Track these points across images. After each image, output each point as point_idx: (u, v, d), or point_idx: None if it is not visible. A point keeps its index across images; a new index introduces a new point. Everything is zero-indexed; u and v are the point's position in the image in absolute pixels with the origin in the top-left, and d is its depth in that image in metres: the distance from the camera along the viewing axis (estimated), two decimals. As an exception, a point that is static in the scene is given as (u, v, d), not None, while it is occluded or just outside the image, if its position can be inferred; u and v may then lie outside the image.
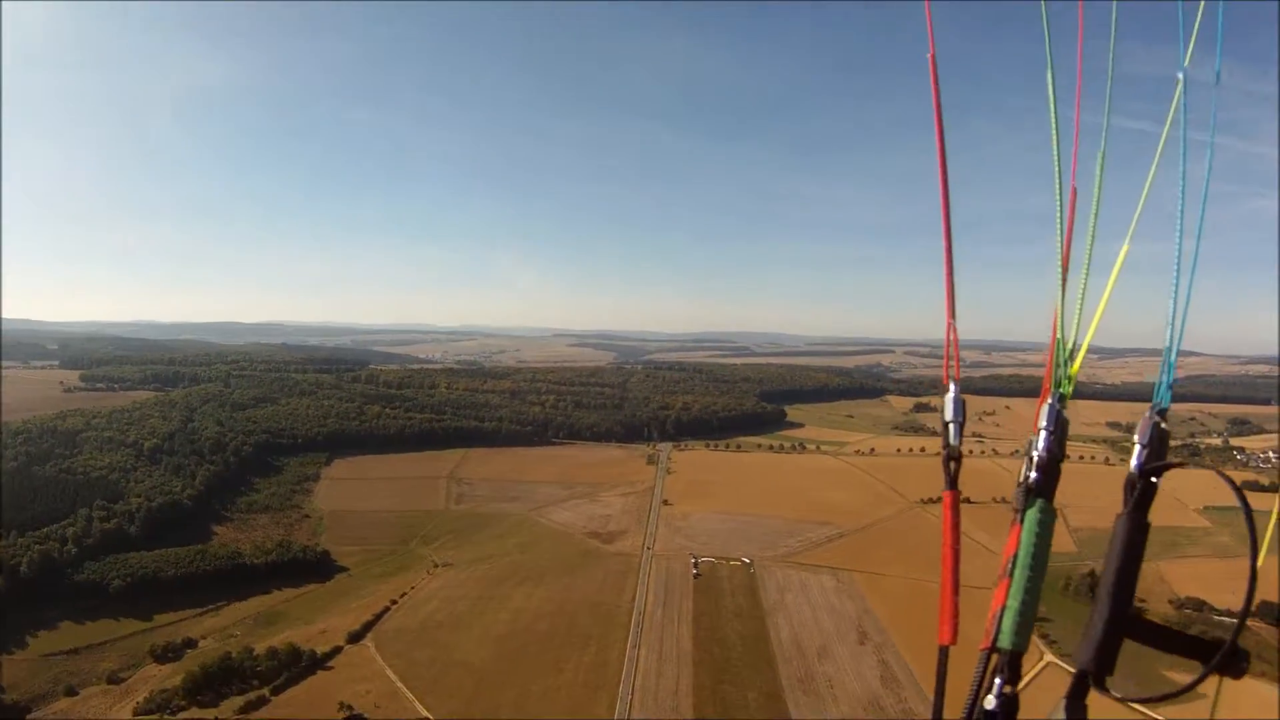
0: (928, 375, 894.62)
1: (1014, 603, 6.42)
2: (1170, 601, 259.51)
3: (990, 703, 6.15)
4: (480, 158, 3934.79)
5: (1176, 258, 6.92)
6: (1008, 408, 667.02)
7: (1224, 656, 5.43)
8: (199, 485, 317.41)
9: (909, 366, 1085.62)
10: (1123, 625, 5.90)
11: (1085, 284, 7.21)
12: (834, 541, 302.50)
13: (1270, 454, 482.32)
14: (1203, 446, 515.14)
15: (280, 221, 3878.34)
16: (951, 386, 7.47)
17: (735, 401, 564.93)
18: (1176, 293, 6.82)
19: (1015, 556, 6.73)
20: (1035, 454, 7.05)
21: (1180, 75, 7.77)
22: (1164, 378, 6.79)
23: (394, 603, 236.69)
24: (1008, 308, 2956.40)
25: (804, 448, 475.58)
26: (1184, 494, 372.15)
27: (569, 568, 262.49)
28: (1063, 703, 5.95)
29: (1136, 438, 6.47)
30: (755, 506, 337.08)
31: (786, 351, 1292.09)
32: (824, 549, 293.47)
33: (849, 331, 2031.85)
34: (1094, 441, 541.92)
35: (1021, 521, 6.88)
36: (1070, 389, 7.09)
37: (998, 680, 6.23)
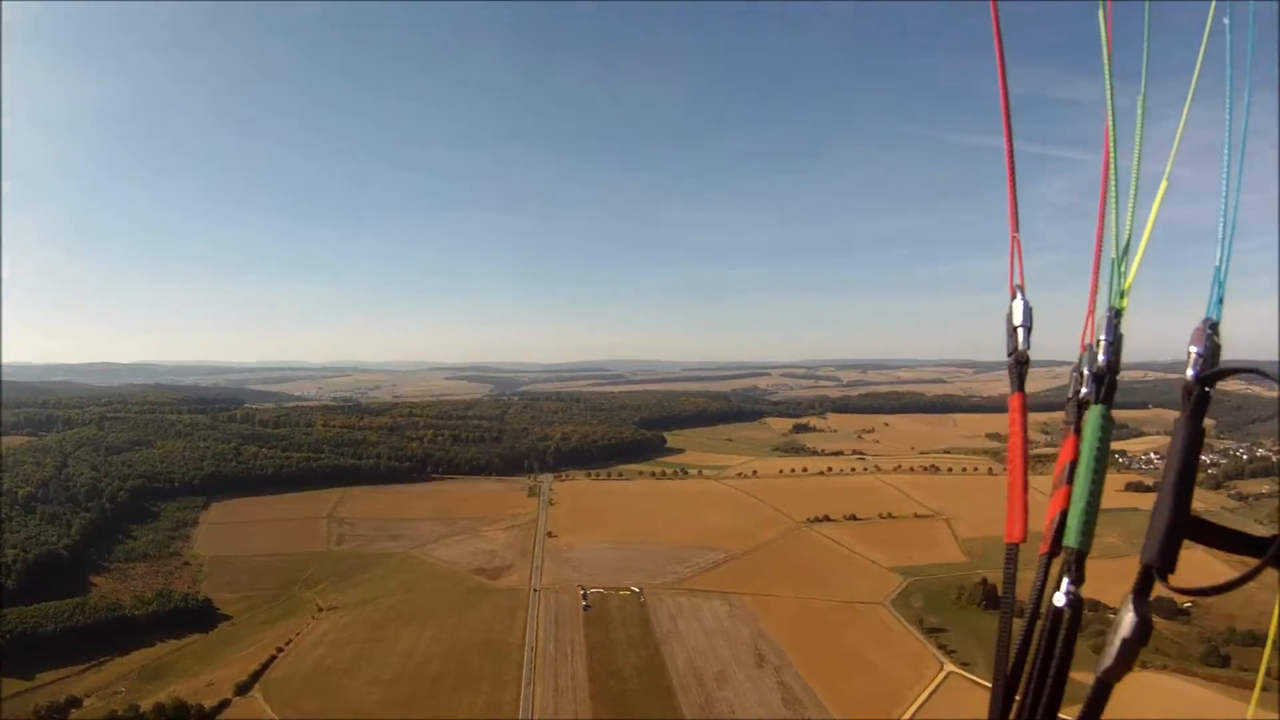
0: (805, 396, 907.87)
1: (1079, 503, 6.43)
2: None
3: (1060, 599, 6.28)
4: (341, 187, 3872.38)
5: (1225, 178, 6.94)
6: (886, 425, 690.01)
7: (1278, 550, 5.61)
8: (75, 534, 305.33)
9: (785, 388, 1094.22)
10: (1183, 525, 5.93)
11: (1135, 199, 7.20)
12: (722, 566, 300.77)
13: (1151, 455, 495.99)
14: None
15: (150, 258, 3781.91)
16: (1019, 294, 7.55)
17: (614, 430, 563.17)
18: (1225, 211, 6.90)
19: (1073, 463, 6.65)
20: (1087, 369, 7.03)
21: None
22: (1214, 292, 6.75)
23: (280, 650, 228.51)
24: (882, 326, 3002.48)
25: (686, 473, 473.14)
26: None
27: (456, 606, 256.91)
28: (1130, 596, 5.91)
29: (1193, 347, 6.48)
30: (641, 534, 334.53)
31: (662, 378, 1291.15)
32: (713, 574, 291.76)
33: (724, 356, 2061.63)
34: (974, 454, 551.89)
35: (1078, 431, 6.77)
36: (1124, 303, 7.08)
37: (1065, 579, 6.34)
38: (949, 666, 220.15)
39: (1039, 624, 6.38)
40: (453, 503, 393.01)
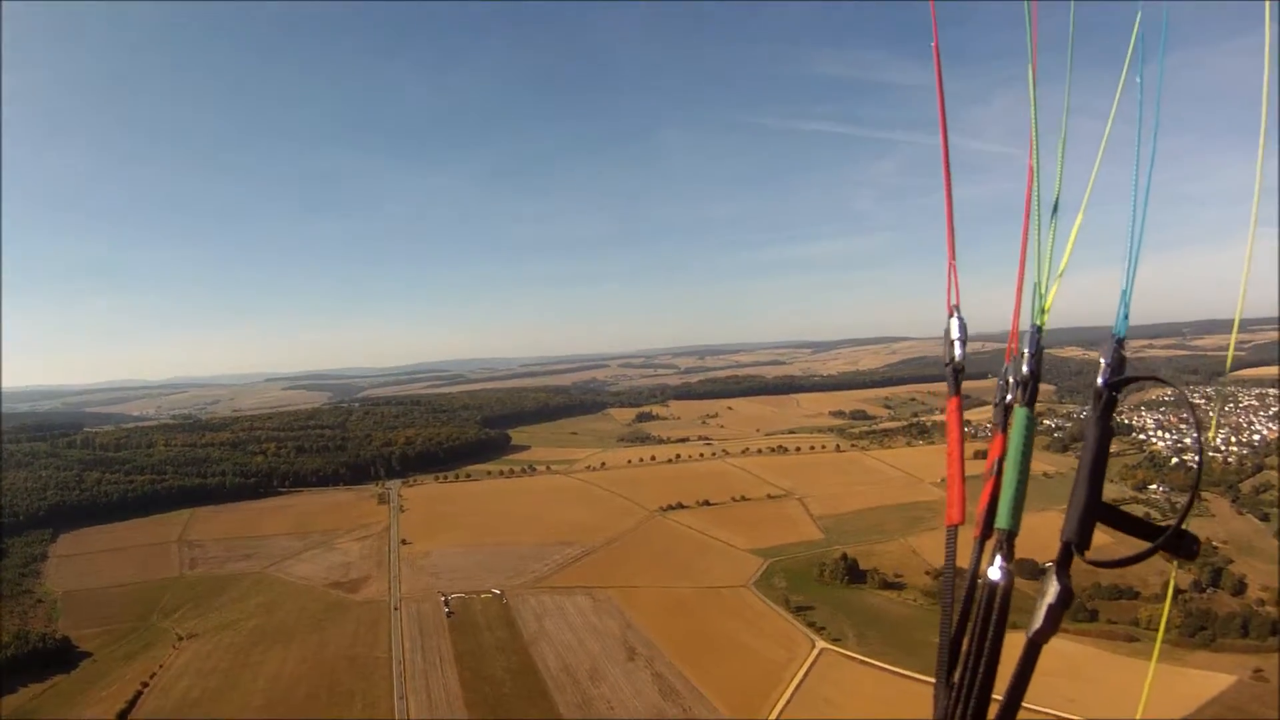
0: (645, 385, 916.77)
1: (1008, 490, 7.46)
2: (927, 573, 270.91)
3: (995, 574, 7.18)
4: (159, 195, 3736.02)
5: (1133, 194, 7.75)
6: (729, 409, 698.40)
7: (1171, 537, 6.91)
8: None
9: (625, 379, 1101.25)
10: (1096, 509, 7.05)
11: (1055, 223, 8.06)
12: (581, 560, 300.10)
13: (988, 424, 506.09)
14: (929, 424, 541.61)
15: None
16: (955, 312, 8.71)
17: (459, 430, 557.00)
18: (1132, 232, 7.73)
19: (1001, 457, 7.71)
20: (1013, 377, 8.09)
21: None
22: (1120, 310, 7.75)
23: (145, 685, 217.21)
24: (718, 312, 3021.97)
25: (534, 470, 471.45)
26: (921, 471, 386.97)
27: (318, 624, 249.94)
28: (1053, 568, 7.04)
29: (1102, 357, 7.62)
30: (496, 535, 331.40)
31: (502, 375, 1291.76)
32: (573, 569, 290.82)
33: (561, 349, 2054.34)
34: (820, 432, 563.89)
35: (1005, 429, 7.89)
36: (1044, 320, 8.06)
37: (998, 556, 7.28)
38: (821, 643, 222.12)
39: (978, 596, 7.29)
40: (303, 516, 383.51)
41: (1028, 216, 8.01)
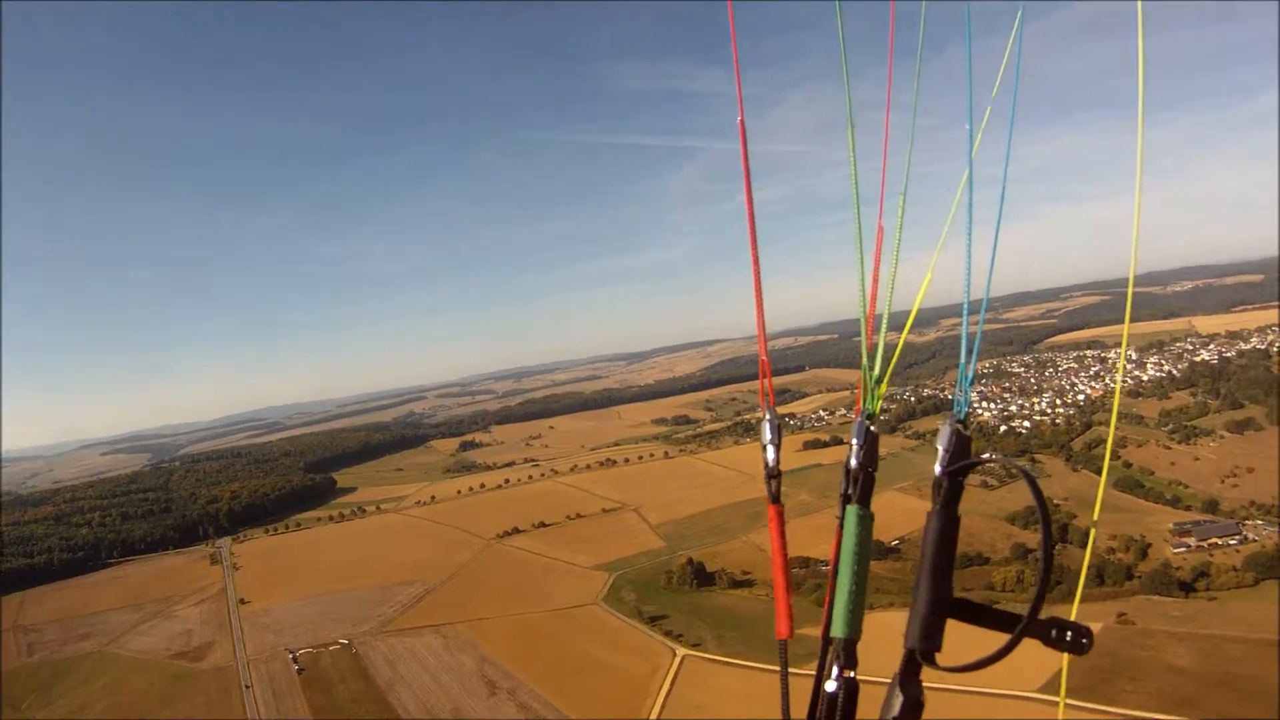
0: (465, 414, 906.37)
1: (841, 596, 6.96)
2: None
3: (830, 685, 6.72)
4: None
5: (966, 290, 7.58)
6: (552, 428, 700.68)
7: (1025, 627, 6.08)
8: None
9: (445, 409, 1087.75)
10: (944, 606, 6.41)
11: (889, 309, 8.02)
12: (425, 599, 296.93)
13: (820, 412, 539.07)
14: (754, 420, 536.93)
15: None
16: (766, 413, 8.04)
17: (283, 479, 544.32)
18: (967, 314, 7.60)
19: (838, 555, 7.22)
20: (845, 471, 7.52)
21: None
22: (961, 391, 7.43)
23: None
24: (531, 333, 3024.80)
25: (364, 511, 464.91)
26: (753, 468, 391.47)
27: (166, 700, 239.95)
28: (896, 679, 6.44)
29: (939, 444, 7.03)
30: (335, 583, 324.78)
31: (321, 418, 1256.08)
32: (418, 609, 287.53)
33: (377, 386, 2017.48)
34: (645, 441, 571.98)
35: (842, 526, 7.31)
36: (877, 407, 7.80)
37: (835, 667, 6.78)
38: (681, 650, 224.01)
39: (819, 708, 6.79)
40: (136, 586, 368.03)
41: (871, 311, 7.85)
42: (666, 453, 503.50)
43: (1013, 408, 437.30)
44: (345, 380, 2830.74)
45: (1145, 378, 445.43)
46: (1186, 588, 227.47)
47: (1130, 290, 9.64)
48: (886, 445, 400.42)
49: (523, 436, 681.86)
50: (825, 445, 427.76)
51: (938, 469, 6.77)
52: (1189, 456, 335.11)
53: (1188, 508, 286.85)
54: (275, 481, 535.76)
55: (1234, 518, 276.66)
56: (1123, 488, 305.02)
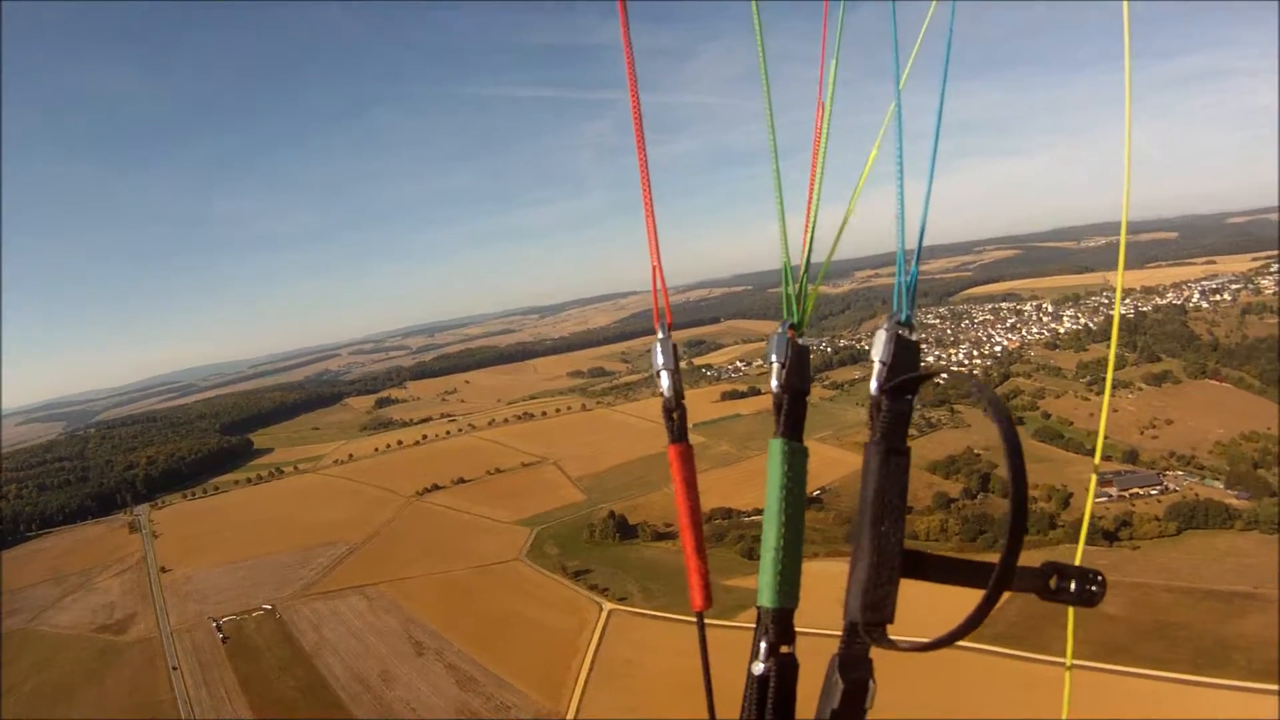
0: (379, 370, 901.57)
1: (766, 553, 5.69)
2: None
3: (758, 668, 5.54)
4: None
5: (899, 163, 6.29)
6: (467, 382, 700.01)
7: (1000, 579, 4.67)
8: None
9: (358, 366, 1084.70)
10: (892, 566, 5.20)
11: (814, 211, 6.72)
12: (347, 560, 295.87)
13: (738, 363, 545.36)
14: None
15: None
16: (660, 332, 6.50)
17: (199, 443, 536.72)
18: (903, 206, 6.22)
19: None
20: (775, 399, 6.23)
21: None
22: (901, 285, 6.26)
23: None
24: (444, 287, 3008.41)
25: (282, 472, 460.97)
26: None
27: (93, 675, 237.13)
28: (835, 661, 5.25)
29: (875, 354, 5.83)
30: (256, 547, 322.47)
31: (234, 379, 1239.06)
32: (340, 570, 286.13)
33: (290, 345, 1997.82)
34: (561, 394, 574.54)
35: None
36: (801, 317, 6.46)
37: (764, 643, 5.56)
38: (607, 605, 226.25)
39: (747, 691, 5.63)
40: (56, 559, 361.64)
41: (808, 221, 6.65)
42: (584, 405, 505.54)
43: (929, 358, 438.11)
44: (258, 340, 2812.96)
45: (1062, 330, 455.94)
46: (1110, 537, 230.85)
47: (1123, 238, 8.91)
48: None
49: (438, 392, 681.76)
50: (744, 395, 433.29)
51: (874, 386, 5.67)
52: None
53: (1108, 458, 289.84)
54: (191, 445, 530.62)
55: (1154, 468, 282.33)
56: (1042, 438, 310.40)
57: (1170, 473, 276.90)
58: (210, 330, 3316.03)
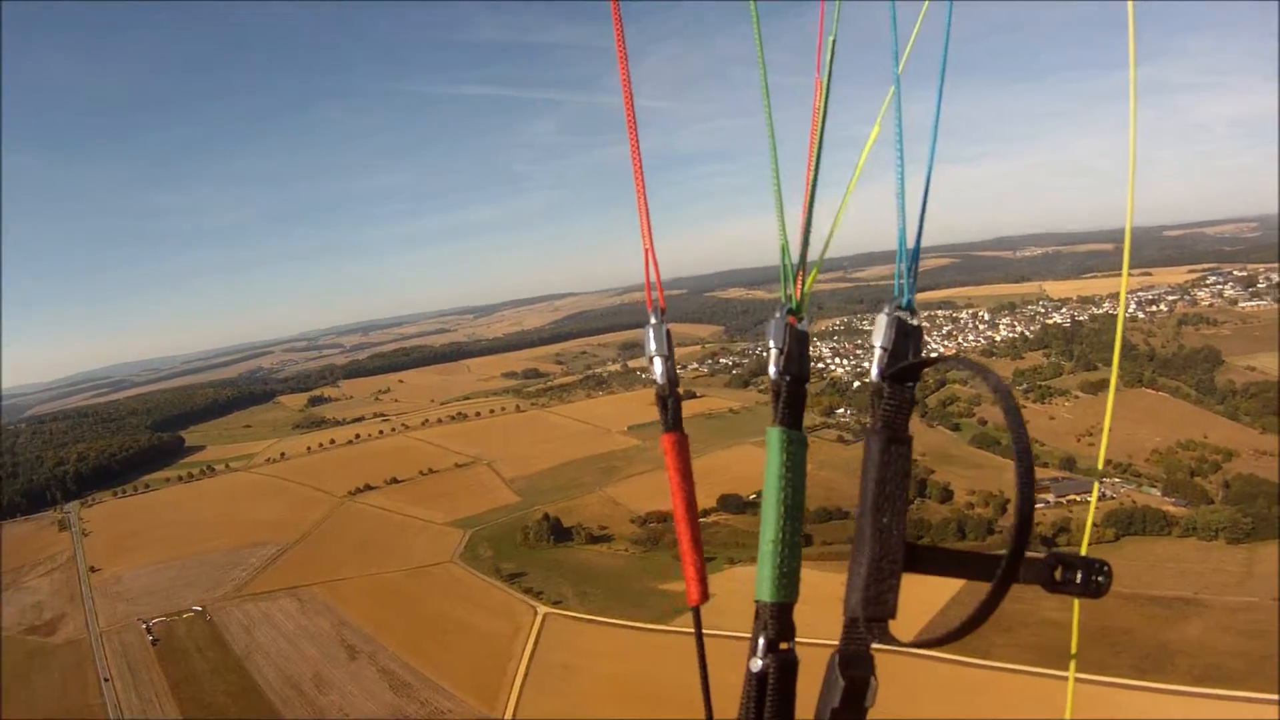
0: (313, 368, 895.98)
1: (765, 548, 5.65)
2: (632, 521, 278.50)
3: (756, 665, 5.37)
4: None
5: (899, 152, 6.19)
6: (401, 382, 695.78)
7: (1008, 570, 4.64)
8: None
9: (291, 364, 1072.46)
10: (894, 559, 5.08)
11: (811, 197, 6.48)
12: (279, 560, 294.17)
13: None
14: (605, 374, 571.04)
15: None
16: (653, 317, 6.48)
17: (131, 439, 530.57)
18: (903, 194, 6.17)
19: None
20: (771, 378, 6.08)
21: None
22: (902, 271, 6.19)
23: None
24: (378, 286, 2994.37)
25: (214, 470, 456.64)
26: (606, 421, 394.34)
27: (22, 678, 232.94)
28: (835, 659, 5.07)
29: (876, 340, 5.74)
30: (187, 546, 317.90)
31: (167, 374, 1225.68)
32: (272, 571, 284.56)
33: (224, 341, 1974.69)
34: (495, 395, 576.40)
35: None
36: (800, 304, 6.29)
37: (762, 639, 5.42)
38: (542, 609, 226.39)
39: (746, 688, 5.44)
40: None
41: (809, 186, 6.49)
42: (518, 406, 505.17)
43: (865, 364, 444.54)
44: (191, 336, 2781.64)
45: (998, 338, 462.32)
46: (1048, 542, 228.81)
47: (1127, 246, 8.95)
48: (740, 399, 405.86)
49: (371, 391, 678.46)
50: (681, 397, 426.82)
51: (874, 372, 5.63)
52: (1044, 415, 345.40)
53: (1045, 465, 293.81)
54: (123, 441, 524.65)
55: (1091, 475, 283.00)
56: (979, 444, 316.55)
57: (1108, 480, 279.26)
58: (143, 325, 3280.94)
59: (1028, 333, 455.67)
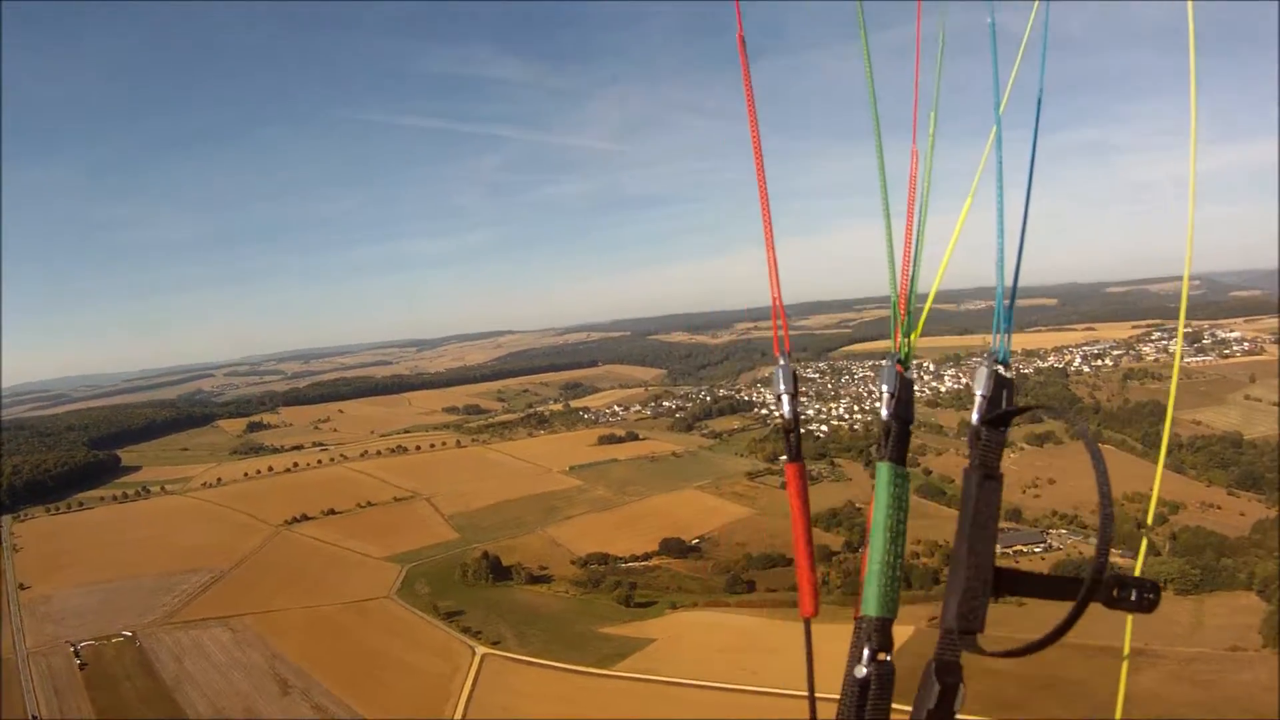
0: (253, 394, 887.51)
1: (873, 567, 6.36)
2: (573, 562, 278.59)
3: (860, 672, 6.08)
4: None
5: (999, 214, 7.25)
6: (341, 412, 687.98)
7: (1090, 589, 5.58)
8: None
9: (232, 388, 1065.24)
10: (985, 580, 5.96)
11: (918, 252, 7.60)
12: (212, 588, 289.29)
13: (615, 407, 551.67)
14: (547, 414, 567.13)
15: None
16: (781, 359, 7.09)
17: (66, 455, 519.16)
18: (1002, 251, 7.16)
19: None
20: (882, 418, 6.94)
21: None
22: (999, 328, 7.05)
23: None
24: (320, 314, 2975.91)
25: (149, 491, 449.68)
26: (547, 460, 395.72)
27: None
28: (932, 665, 5.89)
29: (976, 388, 6.52)
30: (118, 569, 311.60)
31: (107, 392, 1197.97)
32: (205, 599, 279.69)
33: (166, 361, 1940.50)
34: (436, 429, 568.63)
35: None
36: (907, 354, 7.34)
37: (866, 649, 6.15)
38: (481, 649, 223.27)
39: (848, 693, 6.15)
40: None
41: (910, 239, 7.55)
42: (459, 442, 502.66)
43: (810, 411, 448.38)
44: (134, 353, 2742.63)
45: (943, 389, 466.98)
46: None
47: (1186, 278, 9.30)
48: (683, 443, 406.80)
49: (311, 420, 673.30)
50: (620, 440, 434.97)
51: (974, 418, 6.32)
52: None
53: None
54: (58, 457, 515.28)
55: (1037, 526, 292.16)
56: (924, 494, 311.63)
57: (1054, 531, 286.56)
58: (84, 339, 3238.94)
59: (972, 384, 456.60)
